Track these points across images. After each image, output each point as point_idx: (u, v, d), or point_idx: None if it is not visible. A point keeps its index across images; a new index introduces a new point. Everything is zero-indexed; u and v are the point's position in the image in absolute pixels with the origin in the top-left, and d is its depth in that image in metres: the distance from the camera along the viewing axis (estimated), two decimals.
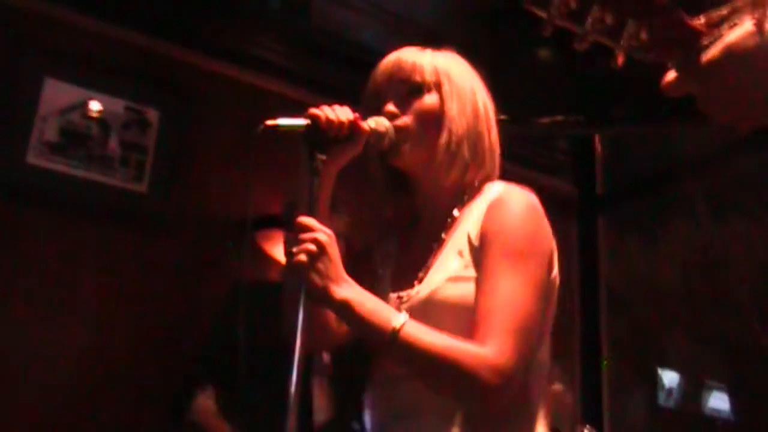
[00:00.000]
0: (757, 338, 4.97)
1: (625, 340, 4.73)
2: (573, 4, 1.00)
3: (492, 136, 1.69)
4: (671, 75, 1.04)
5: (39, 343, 3.01)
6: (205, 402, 2.80)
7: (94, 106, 3.25)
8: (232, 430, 2.76)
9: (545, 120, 3.90)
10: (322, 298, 1.44)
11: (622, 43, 1.03)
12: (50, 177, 3.14)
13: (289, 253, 1.46)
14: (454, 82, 1.67)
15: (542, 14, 1.00)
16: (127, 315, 3.20)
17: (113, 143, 3.26)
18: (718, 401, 5.75)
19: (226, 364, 2.78)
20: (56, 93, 3.20)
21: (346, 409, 2.90)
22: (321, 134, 1.55)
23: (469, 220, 1.59)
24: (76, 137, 3.20)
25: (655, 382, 5.59)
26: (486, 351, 1.40)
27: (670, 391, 5.75)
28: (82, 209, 3.19)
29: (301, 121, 1.57)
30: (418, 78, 1.66)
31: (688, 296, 5.11)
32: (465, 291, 1.51)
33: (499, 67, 3.86)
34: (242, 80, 3.64)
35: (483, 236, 1.54)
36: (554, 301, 1.60)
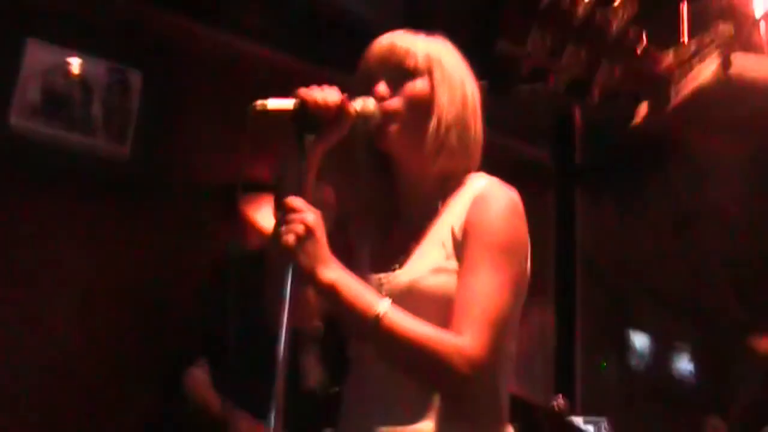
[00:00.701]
0: (727, 304, 5.05)
1: (599, 306, 4.80)
2: (549, 44, 1.04)
3: (478, 127, 1.71)
4: (643, 111, 1.08)
5: (20, 310, 3.01)
6: (199, 374, 2.85)
7: (75, 65, 3.23)
8: (223, 402, 2.80)
9: (526, 87, 3.92)
10: (309, 278, 1.47)
11: (596, 79, 1.06)
12: (32, 139, 3.12)
13: (276, 234, 1.48)
14: (446, 69, 1.69)
15: (520, 53, 1.03)
16: (110, 279, 3.20)
17: (95, 105, 3.25)
18: (687, 365, 5.86)
19: (215, 336, 2.83)
20: (38, 54, 3.17)
21: (336, 374, 2.95)
22: (309, 116, 1.56)
23: (453, 213, 1.62)
24: (59, 99, 3.18)
25: (626, 346, 5.70)
26: (462, 341, 1.46)
27: (640, 354, 5.86)
28: (63, 172, 3.17)
29: (289, 103, 1.57)
30: (410, 63, 1.67)
31: (660, 262, 5.17)
32: (446, 282, 1.55)
33: (483, 35, 3.90)
34: (226, 43, 3.63)
35: (466, 230, 1.58)
36: (524, 296, 1.65)
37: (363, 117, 1.63)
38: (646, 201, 4.75)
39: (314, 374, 2.95)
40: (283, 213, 1.49)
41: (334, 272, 1.47)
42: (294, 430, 2.73)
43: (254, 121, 1.60)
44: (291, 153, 1.59)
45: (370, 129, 1.65)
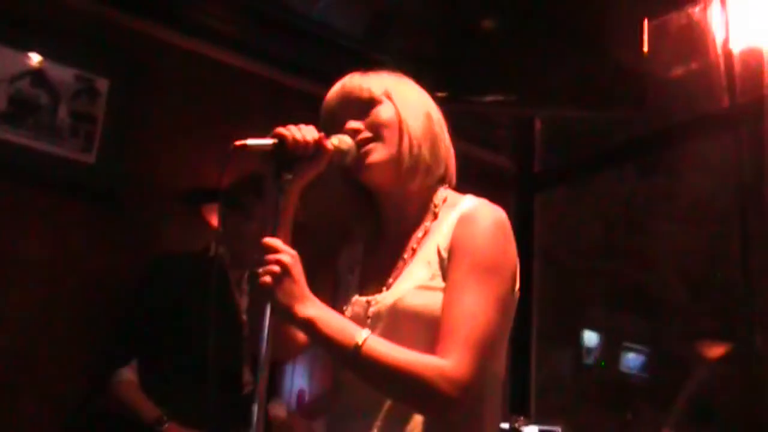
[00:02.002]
0: (673, 293, 5.17)
1: (554, 301, 4.87)
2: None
3: (446, 139, 1.76)
4: None
5: None
6: (127, 375, 2.82)
7: (43, 72, 3.23)
8: (154, 403, 2.79)
9: (486, 99, 3.99)
10: (287, 316, 1.51)
11: None
12: None
13: (254, 274, 1.52)
14: (403, 92, 1.74)
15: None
16: (73, 286, 3.21)
17: (63, 112, 3.25)
18: (635, 359, 5.99)
19: (146, 337, 2.84)
20: (5, 61, 3.16)
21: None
22: (287, 153, 1.59)
23: (440, 232, 1.64)
24: (26, 106, 3.18)
25: (580, 343, 5.81)
26: (446, 364, 1.46)
27: (590, 350, 5.99)
28: (29, 179, 3.17)
29: (268, 141, 1.60)
30: (367, 95, 1.72)
31: (610, 250, 5.26)
32: (430, 300, 1.57)
33: (444, 44, 3.96)
34: (193, 50, 3.65)
35: (452, 249, 1.59)
36: (512, 316, 1.67)
37: (340, 152, 1.66)
38: (599, 197, 4.84)
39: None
40: (260, 253, 1.52)
41: (311, 309, 1.50)
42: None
43: (234, 159, 1.63)
44: (269, 191, 1.63)
45: (347, 164, 1.69)
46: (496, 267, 1.56)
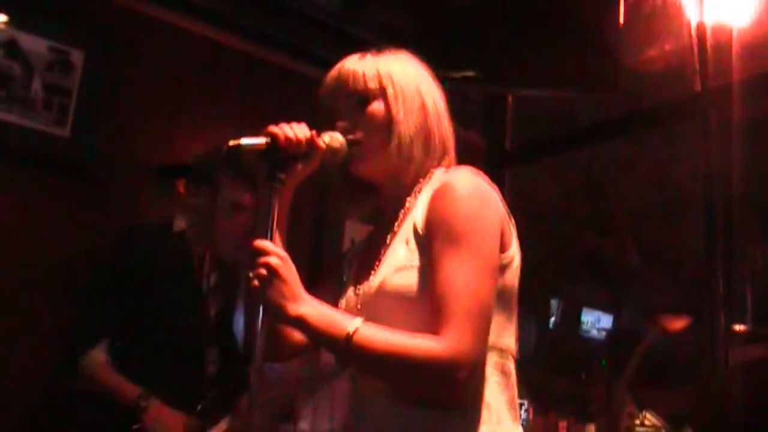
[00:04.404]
0: (628, 257, 5.27)
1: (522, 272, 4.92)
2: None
3: (443, 128, 1.74)
4: None
5: None
6: (98, 355, 2.78)
7: (16, 43, 3.17)
8: (126, 380, 2.76)
9: (455, 75, 4.01)
10: (279, 316, 1.53)
11: None
12: None
13: (246, 277, 1.54)
14: (398, 83, 1.71)
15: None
16: (45, 260, 3.18)
17: (36, 85, 3.20)
18: (595, 321, 6.12)
19: (118, 314, 2.81)
20: None
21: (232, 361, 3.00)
22: (280, 152, 1.60)
23: (417, 210, 1.64)
24: None
25: (542, 311, 5.92)
26: (444, 344, 1.43)
27: (553, 313, 6.11)
28: (2, 152, 3.12)
29: (261, 140, 1.60)
30: (361, 87, 1.70)
31: (569, 216, 5.33)
32: (409, 279, 1.56)
33: (417, 19, 3.96)
34: (169, 22, 3.60)
35: (427, 224, 1.58)
36: (511, 281, 1.63)
37: (332, 150, 1.66)
38: (561, 164, 4.89)
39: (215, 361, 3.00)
40: (251, 256, 1.54)
41: (302, 307, 1.51)
42: (203, 412, 2.83)
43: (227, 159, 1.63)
44: (262, 191, 1.64)
45: (339, 161, 1.69)
46: (473, 234, 1.52)
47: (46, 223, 3.22)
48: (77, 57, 3.30)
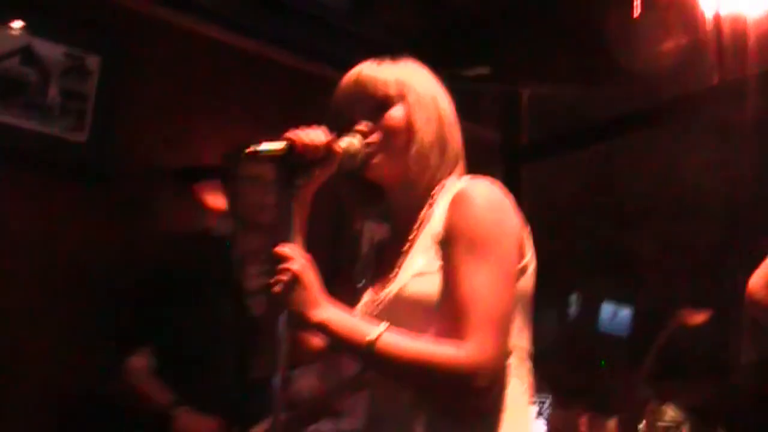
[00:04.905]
0: (646, 249, 5.24)
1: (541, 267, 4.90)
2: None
3: (456, 139, 1.75)
4: None
5: None
6: (139, 360, 2.82)
7: (32, 50, 3.19)
8: (166, 389, 2.80)
9: (470, 71, 4.00)
10: (301, 323, 1.53)
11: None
12: None
13: (267, 285, 1.54)
14: (417, 91, 1.71)
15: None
16: (66, 266, 3.21)
17: (53, 91, 3.21)
18: (613, 314, 6.09)
19: (161, 322, 2.85)
20: None
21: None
22: (298, 158, 1.59)
23: (435, 218, 1.64)
24: (15, 85, 3.15)
25: (562, 306, 5.90)
26: (465, 350, 1.43)
27: (573, 308, 6.09)
28: (20, 160, 3.15)
29: (278, 146, 1.59)
30: (381, 93, 1.70)
31: (588, 209, 5.31)
32: (428, 285, 1.56)
33: (428, 17, 3.95)
34: (182, 26, 3.61)
35: (446, 231, 1.58)
36: (528, 288, 1.63)
37: (349, 155, 1.66)
38: (578, 162, 4.87)
39: (260, 363, 3.01)
40: (272, 263, 1.54)
41: (323, 312, 1.52)
42: (239, 418, 2.83)
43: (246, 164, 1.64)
44: (280, 197, 1.64)
45: (355, 165, 1.69)
46: (494, 241, 1.53)
47: (65, 228, 3.24)
48: (93, 62, 3.32)
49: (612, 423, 3.74)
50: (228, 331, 2.93)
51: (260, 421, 2.85)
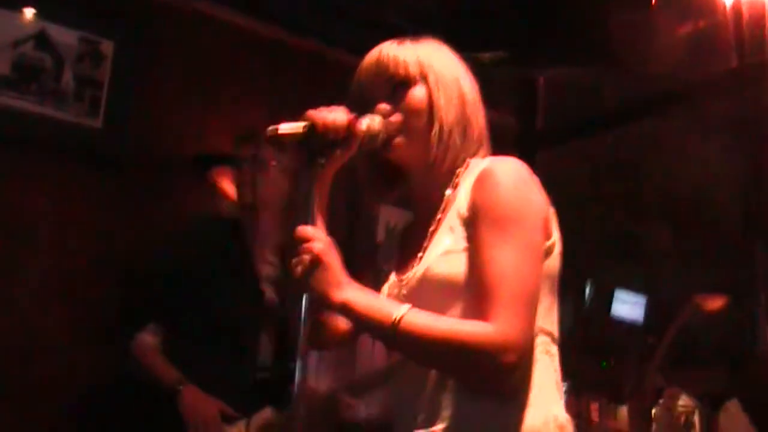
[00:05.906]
0: (660, 239, 5.22)
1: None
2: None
3: (480, 119, 1.72)
4: None
5: None
6: (146, 338, 2.82)
7: (46, 36, 3.17)
8: (173, 367, 2.79)
9: (486, 55, 3.97)
10: (323, 303, 1.52)
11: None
12: (2, 112, 3.07)
13: (288, 265, 1.53)
14: (439, 71, 1.69)
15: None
16: (84, 252, 3.20)
17: (67, 77, 3.20)
18: (626, 305, 6.06)
19: (170, 299, 2.84)
20: (7, 25, 3.11)
21: (286, 350, 2.99)
22: (319, 138, 1.58)
23: (460, 197, 1.62)
24: (29, 71, 3.13)
25: (577, 294, 5.87)
26: (493, 328, 1.41)
27: (588, 297, 6.06)
28: (35, 146, 3.14)
29: (299, 126, 1.58)
30: (402, 72, 1.68)
31: (598, 198, 5.27)
32: (455, 264, 1.54)
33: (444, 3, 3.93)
34: (197, 10, 3.59)
35: (471, 210, 1.56)
36: (554, 268, 1.62)
37: (370, 135, 1.65)
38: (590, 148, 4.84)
39: (270, 351, 3.01)
40: (293, 244, 1.53)
41: (346, 292, 1.50)
42: (245, 406, 2.83)
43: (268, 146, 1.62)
44: (301, 178, 1.62)
45: (377, 146, 1.68)
46: (520, 218, 1.51)
47: (80, 214, 3.23)
48: (107, 48, 3.30)
49: (623, 410, 3.72)
50: (240, 316, 2.92)
51: (264, 407, 2.85)
